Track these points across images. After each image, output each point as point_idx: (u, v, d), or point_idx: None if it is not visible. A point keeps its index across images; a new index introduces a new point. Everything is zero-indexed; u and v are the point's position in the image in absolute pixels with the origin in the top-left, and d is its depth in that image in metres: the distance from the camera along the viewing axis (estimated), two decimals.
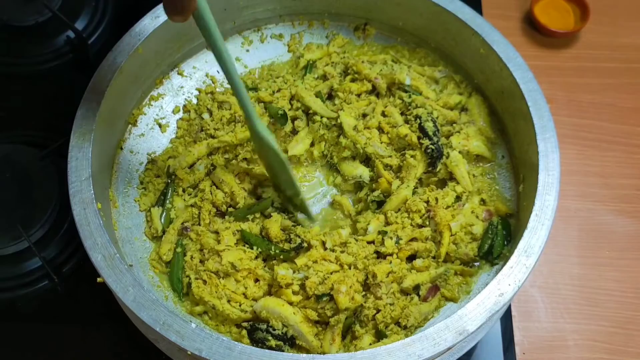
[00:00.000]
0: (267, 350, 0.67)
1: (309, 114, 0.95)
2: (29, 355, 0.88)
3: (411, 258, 0.85)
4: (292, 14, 1.04)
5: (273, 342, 0.78)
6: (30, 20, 1.11)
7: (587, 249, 0.99)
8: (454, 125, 0.93)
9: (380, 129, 0.92)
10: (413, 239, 0.85)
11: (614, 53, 1.17)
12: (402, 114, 0.93)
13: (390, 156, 0.90)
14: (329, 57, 1.02)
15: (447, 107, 0.94)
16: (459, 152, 0.89)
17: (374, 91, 0.97)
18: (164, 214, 0.88)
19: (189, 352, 0.67)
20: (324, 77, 0.98)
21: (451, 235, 0.85)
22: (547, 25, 1.15)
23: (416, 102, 0.92)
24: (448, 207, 0.86)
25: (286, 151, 0.92)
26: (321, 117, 0.92)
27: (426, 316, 0.82)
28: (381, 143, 0.90)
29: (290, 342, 0.79)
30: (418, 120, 0.90)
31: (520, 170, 0.89)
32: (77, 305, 0.92)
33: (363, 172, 0.91)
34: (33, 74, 1.11)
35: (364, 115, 0.93)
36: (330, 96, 0.96)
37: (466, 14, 0.92)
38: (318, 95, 0.95)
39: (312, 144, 0.94)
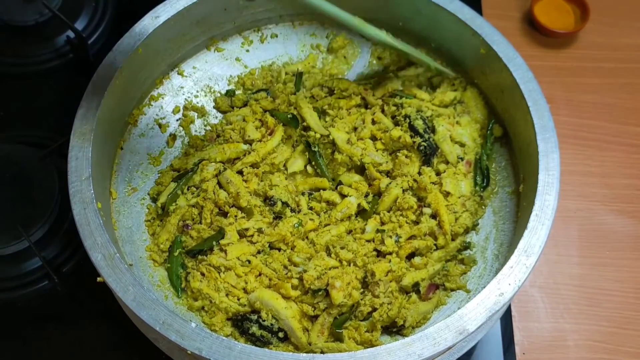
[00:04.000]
0: (267, 350, 0.67)
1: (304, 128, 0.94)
2: (29, 355, 0.88)
3: (410, 257, 0.85)
4: (292, 14, 1.04)
5: (257, 331, 0.79)
6: (30, 20, 1.11)
7: (587, 249, 0.99)
8: (450, 118, 0.93)
9: (373, 137, 0.91)
10: (412, 237, 0.85)
11: (614, 53, 1.17)
12: (393, 117, 0.92)
13: (387, 162, 0.90)
14: (317, 81, 1.00)
15: (442, 105, 0.94)
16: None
17: (364, 102, 0.96)
18: (175, 192, 0.88)
19: (189, 352, 0.68)
20: (312, 98, 0.97)
21: (447, 209, 0.86)
22: (547, 25, 1.15)
23: (411, 104, 0.92)
24: (434, 183, 0.87)
25: (281, 169, 0.92)
26: (315, 132, 0.92)
27: (425, 315, 0.82)
28: (377, 151, 0.90)
29: (278, 335, 0.80)
30: (407, 120, 0.89)
31: (520, 170, 0.89)
32: (77, 305, 0.92)
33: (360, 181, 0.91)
34: (33, 74, 1.11)
35: (355, 129, 0.92)
36: (324, 112, 0.96)
37: (466, 14, 0.92)
38: (316, 110, 0.94)
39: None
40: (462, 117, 0.94)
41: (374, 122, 0.92)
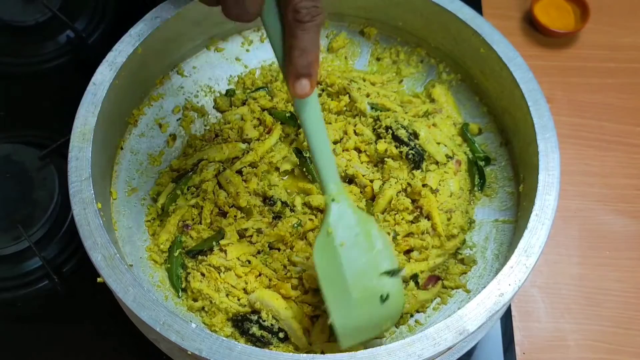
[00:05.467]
0: (267, 351, 0.67)
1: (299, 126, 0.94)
2: (29, 356, 0.88)
3: (407, 253, 0.85)
4: None
5: (258, 332, 0.79)
6: (30, 20, 1.11)
7: (588, 249, 0.99)
8: (428, 120, 0.94)
9: (357, 149, 0.91)
10: (410, 234, 0.85)
11: (614, 53, 1.17)
12: (373, 130, 0.92)
13: (373, 172, 0.90)
14: None
15: (416, 116, 0.94)
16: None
17: (351, 105, 0.95)
18: (174, 192, 0.89)
19: (189, 352, 0.67)
20: None
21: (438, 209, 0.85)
22: (547, 25, 1.15)
23: (388, 116, 0.92)
24: (425, 185, 0.87)
25: (277, 169, 0.92)
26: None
27: (424, 304, 0.82)
28: (362, 163, 0.90)
29: (278, 335, 0.80)
30: (390, 131, 0.89)
31: (520, 170, 0.89)
32: (77, 305, 0.92)
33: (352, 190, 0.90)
34: (33, 74, 1.11)
35: (340, 139, 0.92)
36: None
37: (466, 14, 0.92)
38: None
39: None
40: (436, 116, 0.94)
41: (356, 133, 0.92)
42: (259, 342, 0.79)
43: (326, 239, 0.72)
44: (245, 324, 0.80)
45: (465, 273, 0.86)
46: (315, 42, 0.60)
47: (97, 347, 0.89)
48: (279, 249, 0.85)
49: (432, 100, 0.98)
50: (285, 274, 0.82)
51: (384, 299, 0.72)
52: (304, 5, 0.58)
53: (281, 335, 0.80)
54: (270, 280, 0.83)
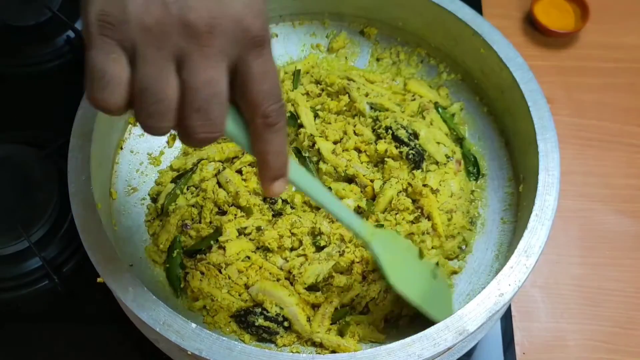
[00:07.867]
0: (266, 350, 0.67)
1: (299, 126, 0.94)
2: (29, 355, 0.88)
3: None
4: (292, 14, 1.04)
5: (264, 323, 0.79)
6: (30, 20, 1.11)
7: (588, 249, 0.99)
8: (425, 120, 0.94)
9: (357, 149, 0.91)
10: (410, 234, 0.85)
11: (614, 53, 1.17)
12: (373, 130, 0.92)
13: (373, 172, 0.90)
14: (311, 75, 1.01)
15: (412, 114, 0.94)
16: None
17: (350, 104, 0.95)
18: (174, 192, 0.88)
19: (189, 352, 0.68)
20: (307, 94, 0.97)
21: (439, 209, 0.86)
22: (547, 25, 1.15)
23: (387, 116, 0.92)
24: (425, 185, 0.87)
25: None
26: (305, 131, 0.91)
27: None
28: (362, 163, 0.90)
29: (284, 325, 0.80)
30: (390, 131, 0.89)
31: (520, 170, 0.89)
32: (77, 305, 0.92)
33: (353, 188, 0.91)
34: (33, 74, 1.11)
35: (340, 139, 0.92)
36: (316, 113, 0.96)
37: (466, 14, 0.92)
38: (312, 109, 0.94)
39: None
40: (430, 112, 0.94)
41: (355, 134, 0.92)
42: (265, 334, 0.80)
43: (380, 263, 0.77)
44: (250, 317, 0.80)
45: None
46: (285, 142, 0.59)
47: (97, 347, 0.89)
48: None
49: (413, 94, 0.97)
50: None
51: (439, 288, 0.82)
52: (272, 109, 0.56)
53: (286, 324, 0.80)
54: (271, 274, 0.83)
